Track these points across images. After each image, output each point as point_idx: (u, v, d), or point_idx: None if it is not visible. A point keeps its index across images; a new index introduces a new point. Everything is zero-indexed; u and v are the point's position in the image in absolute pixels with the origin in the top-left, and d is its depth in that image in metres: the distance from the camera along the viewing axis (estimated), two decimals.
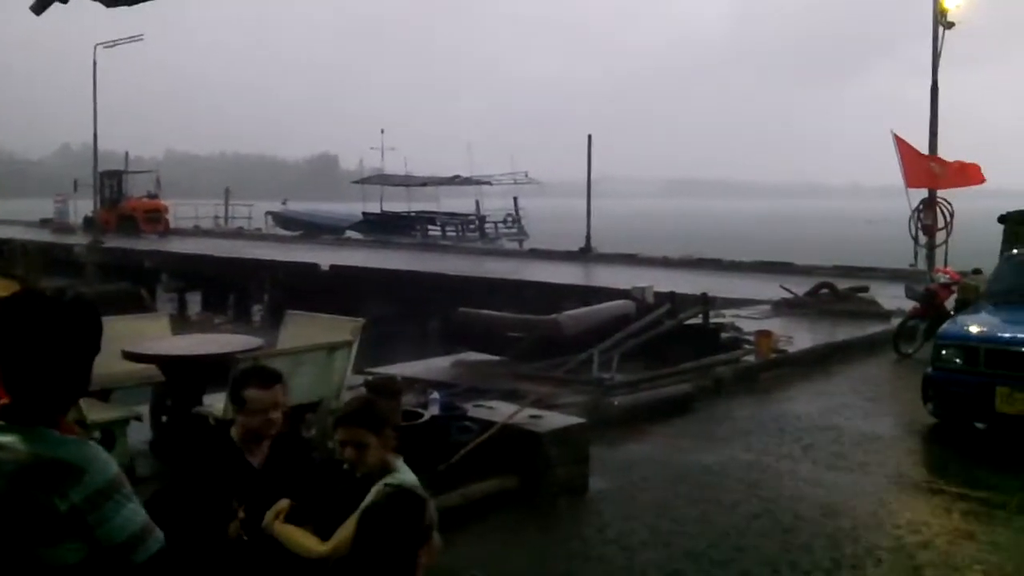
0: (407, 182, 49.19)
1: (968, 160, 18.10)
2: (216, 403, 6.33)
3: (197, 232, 43.53)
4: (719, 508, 7.07)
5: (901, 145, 17.24)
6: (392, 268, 25.10)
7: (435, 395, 7.49)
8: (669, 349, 11.36)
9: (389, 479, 3.48)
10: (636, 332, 11.57)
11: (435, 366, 11.66)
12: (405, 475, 3.53)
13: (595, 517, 6.92)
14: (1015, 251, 10.98)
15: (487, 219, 44.65)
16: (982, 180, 17.69)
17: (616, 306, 12.37)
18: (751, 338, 12.49)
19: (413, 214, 46.61)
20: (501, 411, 7.34)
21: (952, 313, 11.48)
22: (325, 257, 27.15)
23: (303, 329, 7.67)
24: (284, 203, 53.59)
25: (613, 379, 10.11)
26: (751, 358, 11.97)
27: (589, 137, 32.04)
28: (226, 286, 27.39)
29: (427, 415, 6.88)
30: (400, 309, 20.12)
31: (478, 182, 45.89)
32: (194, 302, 28.76)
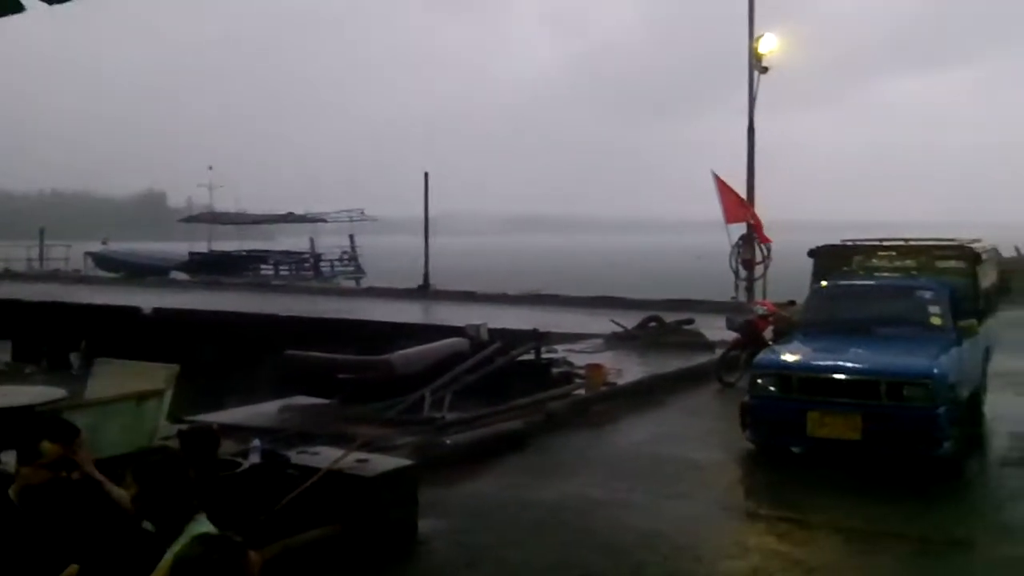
0: (238, 220, 48.08)
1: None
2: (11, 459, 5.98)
3: (5, 275, 41.03)
4: (552, 543, 7.13)
5: (720, 184, 18.04)
6: (220, 310, 24.35)
7: (256, 443, 7.29)
8: (502, 386, 11.43)
9: (194, 528, 3.34)
10: (469, 370, 11.60)
11: (262, 412, 11.35)
12: (205, 527, 3.40)
13: (425, 560, 6.86)
14: (824, 283, 11.60)
15: (323, 257, 44.08)
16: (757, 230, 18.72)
17: (449, 344, 12.37)
18: (583, 372, 12.73)
19: (244, 253, 45.52)
20: (326, 456, 7.17)
21: (771, 343, 12.02)
22: (149, 300, 26.10)
23: (113, 378, 7.35)
24: (104, 243, 51.02)
25: (445, 418, 10.10)
26: (583, 391, 12.19)
27: (426, 174, 32.17)
28: (39, 333, 25.80)
29: (246, 464, 6.68)
30: (228, 353, 19.48)
31: (313, 219, 45.31)
32: (4, 351, 27.02)
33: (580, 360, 13.93)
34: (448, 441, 9.49)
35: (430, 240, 31.66)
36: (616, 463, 9.62)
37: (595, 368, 12.62)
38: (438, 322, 20.15)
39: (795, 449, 9.72)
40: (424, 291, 30.09)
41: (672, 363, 14.82)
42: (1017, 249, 29.66)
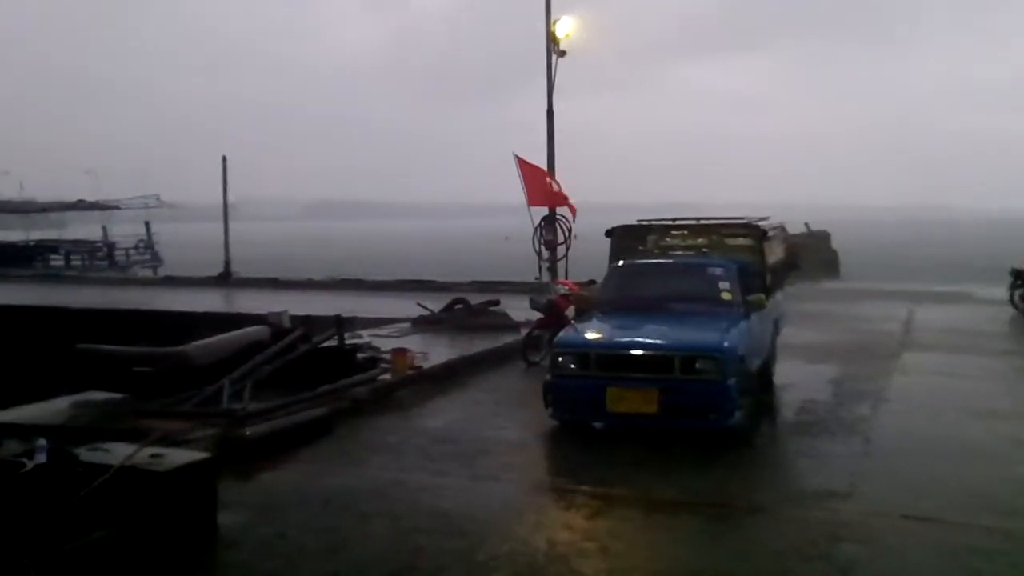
0: (24, 208, 45.13)
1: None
2: None
3: None
4: (358, 531, 7.00)
5: (523, 166, 18.23)
6: (3, 304, 22.78)
7: (41, 441, 6.81)
8: (306, 374, 11.16)
9: None
10: (270, 358, 11.26)
11: (51, 409, 10.66)
12: None
13: (223, 555, 6.60)
14: (621, 263, 11.93)
15: (117, 246, 41.97)
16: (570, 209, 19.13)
17: (250, 332, 11.96)
18: (388, 357, 12.61)
19: (32, 243, 42.78)
20: (119, 453, 6.78)
21: (573, 322, 12.26)
22: None
23: None
24: None
25: (245, 409, 9.76)
26: (388, 376, 12.08)
27: (224, 159, 31.09)
28: None
29: (30, 465, 6.23)
30: (15, 349, 18.28)
31: (105, 207, 43.04)
32: None
33: (386, 345, 13.80)
34: (248, 432, 9.18)
35: (232, 227, 30.65)
36: (423, 447, 9.56)
37: (400, 352, 12.53)
38: (240, 311, 19.52)
39: (597, 425, 9.95)
40: (225, 279, 29.15)
41: (478, 345, 14.91)
42: (807, 225, 31.55)
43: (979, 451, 9.14)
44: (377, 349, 13.39)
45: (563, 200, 18.83)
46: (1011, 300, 19.65)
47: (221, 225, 30.99)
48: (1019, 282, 19.58)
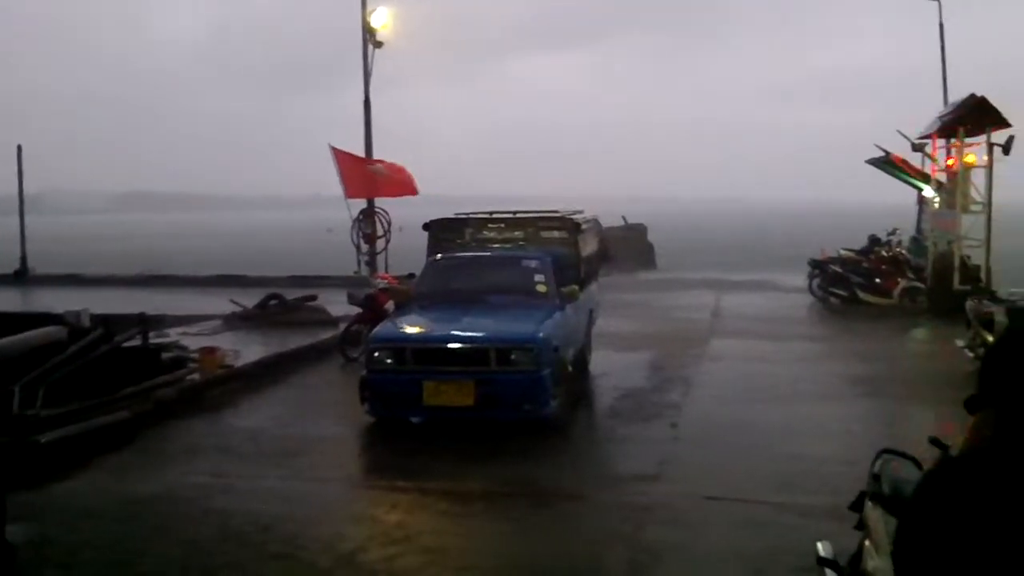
0: None
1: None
2: None
3: None
4: (156, 542, 6.67)
5: (340, 157, 17.91)
6: None
7: None
8: (107, 376, 10.56)
9: None
10: (66, 360, 10.58)
11: None
12: None
13: (13, 570, 6.15)
14: (438, 256, 11.88)
15: None
16: (414, 192, 19.00)
17: (43, 333, 11.17)
18: (197, 356, 12.12)
19: None
20: None
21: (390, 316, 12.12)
22: None
23: None
24: None
25: (38, 414, 9.15)
26: (197, 376, 11.62)
27: (19, 148, 29.29)
28: None
29: None
30: None
31: None
32: None
33: (195, 344, 13.26)
34: (43, 440, 8.61)
35: (33, 220, 28.84)
36: (234, 447, 9.26)
37: (209, 351, 12.07)
38: (36, 310, 18.33)
39: (414, 419, 9.87)
40: (21, 276, 27.35)
41: (294, 341, 14.54)
42: (624, 218, 32.34)
43: (777, 432, 9.57)
44: (185, 348, 12.84)
45: (390, 188, 18.59)
46: (810, 288, 20.75)
47: (15, 218, 29.14)
48: (817, 271, 20.69)
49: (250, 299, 17.46)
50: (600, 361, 12.97)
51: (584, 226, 12.77)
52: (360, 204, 18.92)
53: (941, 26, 25.09)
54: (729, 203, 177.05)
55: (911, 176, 21.65)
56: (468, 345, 9.61)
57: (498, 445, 9.09)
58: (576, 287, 11.15)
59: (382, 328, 10.24)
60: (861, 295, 19.70)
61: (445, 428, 9.53)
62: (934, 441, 3.88)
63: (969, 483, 2.02)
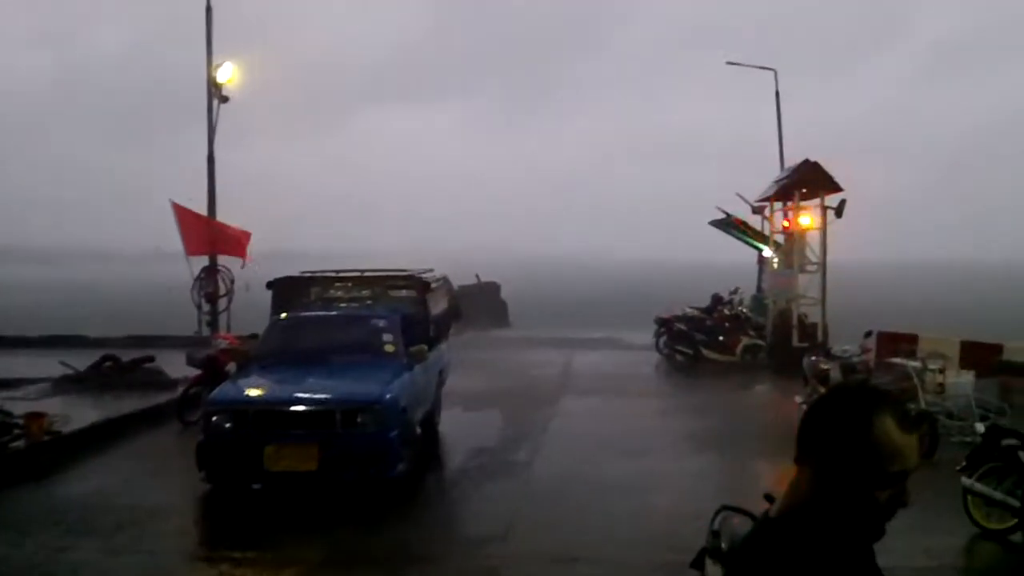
0: None
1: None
2: None
3: None
4: None
5: (180, 213, 17.36)
6: None
7: None
8: None
9: None
10: None
11: None
12: None
13: None
14: (282, 315, 11.55)
15: None
16: (246, 258, 18.49)
17: None
18: (21, 422, 11.36)
19: None
20: None
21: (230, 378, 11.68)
22: None
23: None
24: None
25: None
26: (21, 444, 10.88)
27: None
28: None
29: None
30: None
31: None
32: None
33: (20, 408, 12.42)
34: None
35: None
36: (60, 518, 8.65)
37: (35, 417, 11.34)
38: None
39: (255, 486, 9.46)
40: None
41: (129, 404, 13.82)
42: (477, 276, 32.41)
43: (625, 488, 9.63)
44: (9, 414, 12.00)
45: (232, 247, 18.10)
46: (656, 346, 21.20)
47: None
48: (663, 329, 21.17)
49: (82, 360, 16.55)
50: (451, 420, 12.83)
51: (434, 285, 12.69)
52: (202, 261, 18.35)
53: (777, 94, 26.41)
54: (585, 260, 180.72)
55: (751, 237, 22.56)
56: (311, 407, 9.31)
57: (343, 510, 8.82)
58: (425, 346, 11.01)
59: (221, 390, 9.83)
60: (705, 352, 20.25)
61: (289, 494, 9.18)
62: (768, 497, 3.90)
63: (785, 543, 2.00)
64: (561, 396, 15.67)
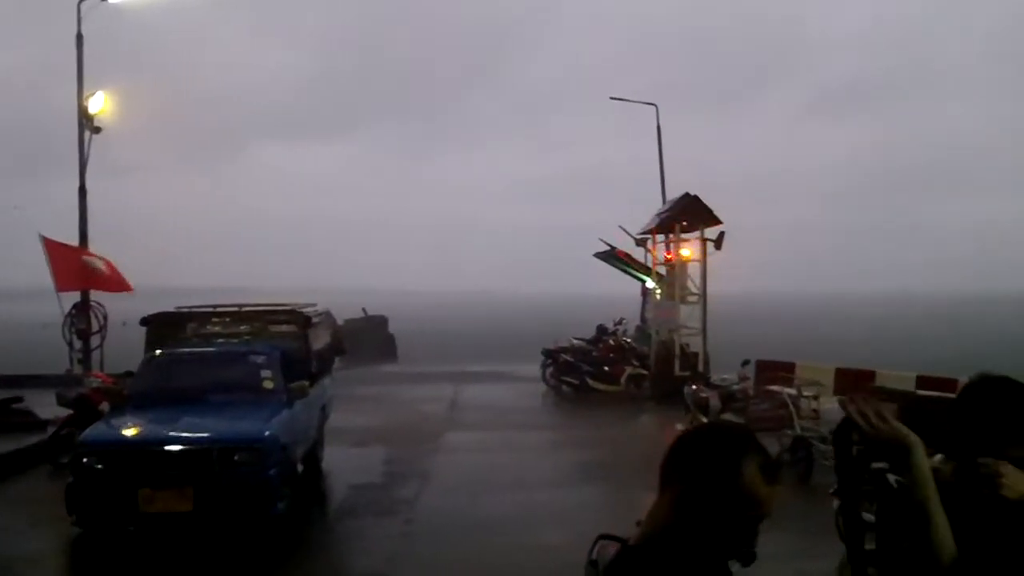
0: None
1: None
2: None
3: None
4: None
5: (51, 247, 16.72)
6: None
7: None
8: None
9: None
10: None
11: None
12: None
13: None
14: (157, 352, 11.20)
15: None
16: (130, 288, 17.93)
17: None
18: None
19: None
20: None
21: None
22: None
23: None
24: None
25: None
26: None
27: None
28: None
29: None
30: None
31: None
32: None
33: None
34: None
35: None
36: None
37: None
38: None
39: (129, 529, 9.11)
40: None
41: None
42: (364, 310, 32.11)
43: (510, 522, 9.62)
44: None
45: (105, 283, 17.51)
46: (543, 377, 21.33)
47: None
48: (550, 361, 21.31)
49: None
50: (334, 457, 12.63)
51: (315, 319, 12.50)
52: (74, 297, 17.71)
53: (659, 128, 27.01)
54: (474, 295, 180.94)
55: (634, 269, 22.98)
56: (187, 446, 9.03)
57: (220, 552, 8.57)
58: (306, 382, 10.83)
59: (93, 430, 9.47)
60: (591, 383, 20.45)
61: (164, 537, 8.88)
62: (640, 524, 3.94)
63: (644, 570, 2.02)
64: (448, 431, 15.61)
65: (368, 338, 30.03)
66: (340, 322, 21.58)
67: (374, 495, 10.98)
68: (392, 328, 33.24)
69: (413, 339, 36.20)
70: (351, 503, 10.67)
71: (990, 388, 2.79)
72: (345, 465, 12.50)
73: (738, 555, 2.10)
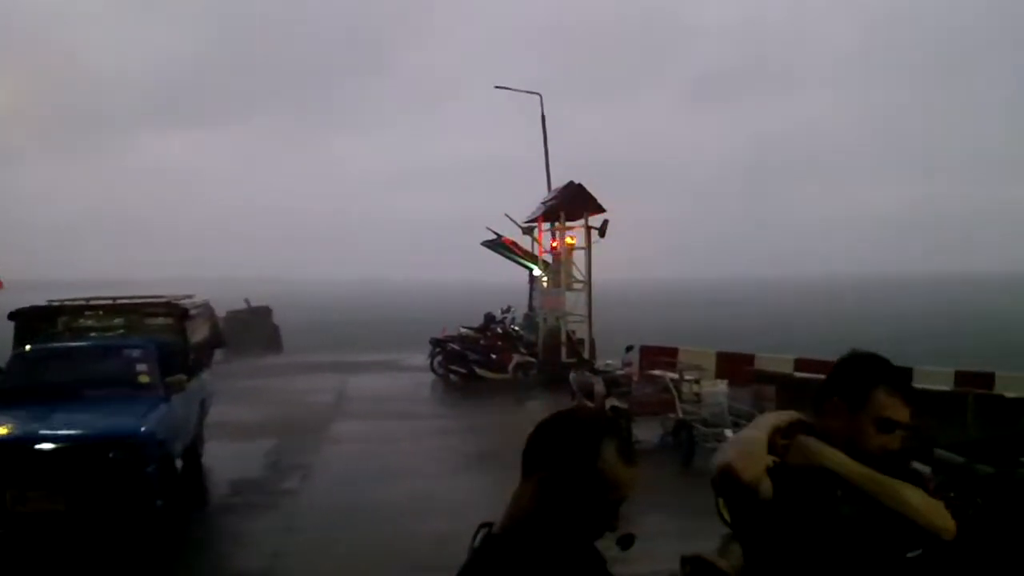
0: None
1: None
2: None
3: None
4: None
5: None
6: None
7: None
8: None
9: None
10: None
11: None
12: None
13: None
14: (26, 348, 10.76)
15: None
16: None
17: None
18: None
19: None
20: None
21: None
22: None
23: None
24: None
25: None
26: None
27: None
28: None
29: None
30: None
31: None
32: None
33: None
34: None
35: None
36: None
37: None
38: None
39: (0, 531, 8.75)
40: None
41: None
42: (247, 301, 31.44)
43: (397, 512, 9.59)
44: None
45: None
46: (431, 366, 21.30)
47: None
48: (438, 350, 21.29)
49: None
50: (215, 453, 12.37)
51: (193, 311, 12.19)
52: None
53: (543, 117, 27.13)
54: (364, 285, 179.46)
55: (521, 257, 23.12)
56: (59, 444, 8.68)
57: (95, 552, 8.31)
58: (184, 376, 10.54)
59: None
60: (478, 371, 20.52)
61: (36, 538, 8.55)
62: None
63: (504, 558, 2.02)
64: (334, 422, 15.45)
65: (252, 329, 29.50)
66: (223, 314, 21.20)
67: (257, 489, 10.80)
68: (278, 318, 32.65)
69: (300, 329, 35.70)
70: (232, 499, 10.48)
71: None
72: (227, 460, 12.24)
73: (618, 539, 2.14)
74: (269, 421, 15.40)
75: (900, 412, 2.55)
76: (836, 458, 2.51)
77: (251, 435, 14.05)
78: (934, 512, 2.50)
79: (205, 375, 12.64)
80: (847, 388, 2.60)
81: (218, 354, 15.07)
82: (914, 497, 2.49)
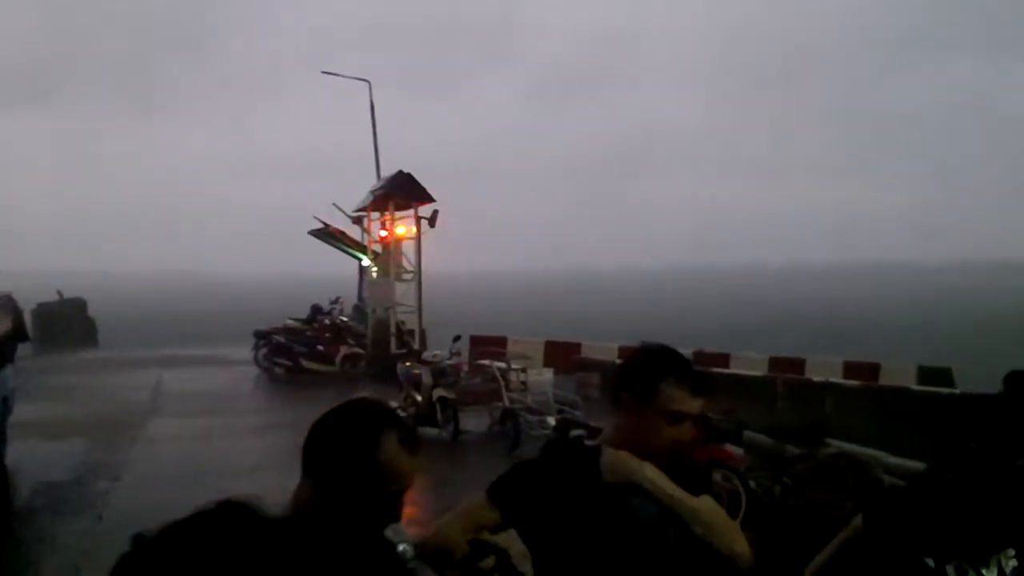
0: None
1: None
2: None
3: None
4: None
5: None
6: None
7: None
8: None
9: None
10: None
11: None
12: None
13: None
14: None
15: None
16: None
17: None
18: None
19: None
20: None
21: None
22: None
23: None
24: None
25: None
26: None
27: None
28: None
29: None
30: None
31: None
32: None
33: None
34: None
35: None
36: None
37: None
38: None
39: None
40: None
41: None
42: (59, 293, 29.81)
43: None
44: None
45: None
46: (256, 359, 20.73)
47: None
48: (263, 342, 20.73)
49: None
50: (20, 454, 11.58)
51: None
52: None
53: (372, 105, 26.85)
54: (184, 276, 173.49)
55: (349, 247, 22.80)
56: None
57: None
58: None
59: None
60: (305, 364, 20.13)
61: None
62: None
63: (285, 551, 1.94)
64: (151, 419, 14.82)
65: (64, 323, 28.08)
66: (32, 306, 20.05)
67: (65, 492, 10.23)
68: (93, 311, 31.09)
69: (117, 323, 34.16)
70: (37, 503, 9.87)
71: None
72: (33, 462, 11.51)
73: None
74: (80, 420, 14.61)
75: (688, 403, 2.54)
76: (649, 474, 2.50)
77: (60, 435, 13.30)
78: (734, 539, 2.52)
79: (8, 371, 11.83)
80: (635, 382, 2.59)
81: (24, 349, 14.20)
82: (716, 521, 2.51)
